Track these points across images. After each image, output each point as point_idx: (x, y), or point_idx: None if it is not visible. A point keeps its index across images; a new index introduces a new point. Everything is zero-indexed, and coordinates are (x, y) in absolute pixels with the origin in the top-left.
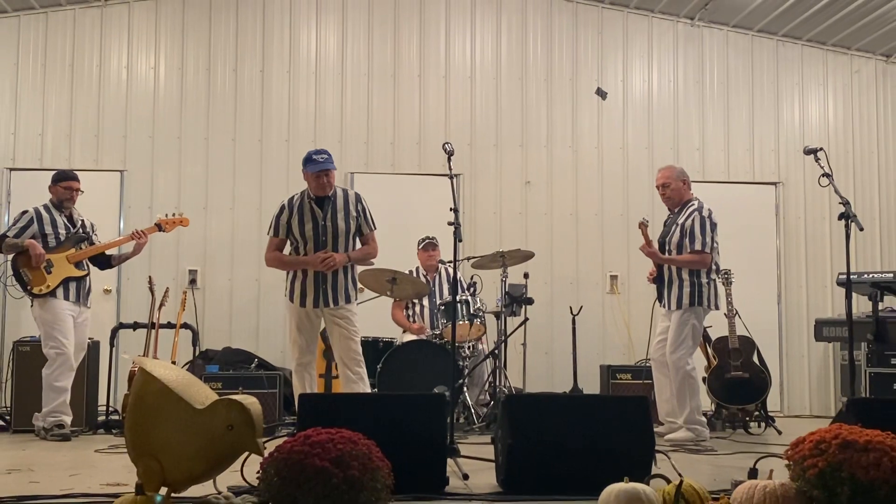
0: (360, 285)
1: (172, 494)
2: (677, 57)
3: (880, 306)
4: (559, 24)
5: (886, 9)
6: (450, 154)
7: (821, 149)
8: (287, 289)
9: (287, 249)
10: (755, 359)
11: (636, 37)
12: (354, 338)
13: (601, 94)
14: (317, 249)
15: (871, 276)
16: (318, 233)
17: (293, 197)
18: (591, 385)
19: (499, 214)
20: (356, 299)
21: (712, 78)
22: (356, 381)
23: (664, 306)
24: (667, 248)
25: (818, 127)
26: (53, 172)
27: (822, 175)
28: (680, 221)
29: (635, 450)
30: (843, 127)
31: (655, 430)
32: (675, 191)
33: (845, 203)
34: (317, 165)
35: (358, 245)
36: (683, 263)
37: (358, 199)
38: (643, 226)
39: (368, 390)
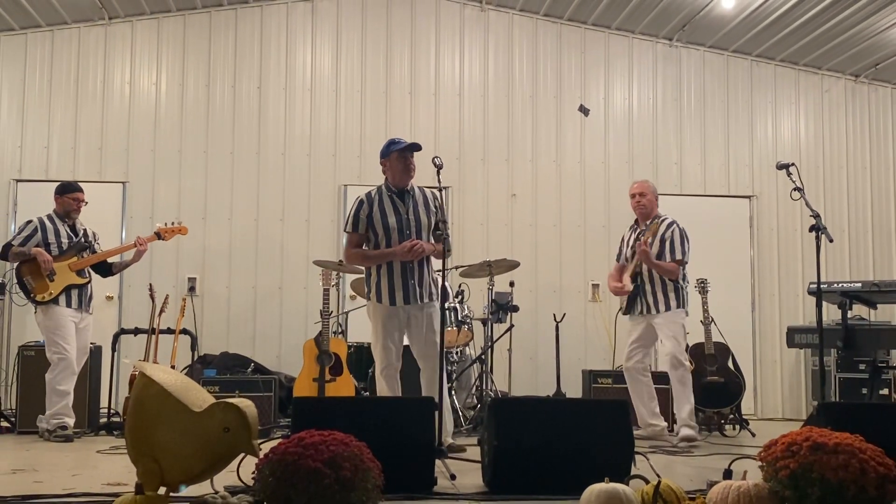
0: (351, 292)
1: (171, 494)
2: (656, 76)
3: (849, 314)
4: (544, 44)
5: (854, 31)
6: (439, 168)
7: (793, 164)
8: (372, 290)
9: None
10: (730, 364)
11: (617, 57)
12: (437, 335)
13: (584, 110)
14: (402, 239)
15: (840, 285)
16: (401, 226)
17: (370, 192)
18: (573, 389)
19: (486, 225)
20: (438, 299)
21: (689, 96)
22: (438, 380)
23: (643, 312)
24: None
25: (790, 143)
26: (58, 184)
27: (794, 189)
28: (658, 233)
29: (615, 451)
30: (814, 143)
31: (635, 432)
32: (649, 201)
33: (816, 216)
34: (402, 144)
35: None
36: (663, 269)
37: (434, 195)
38: (652, 234)
39: (445, 388)
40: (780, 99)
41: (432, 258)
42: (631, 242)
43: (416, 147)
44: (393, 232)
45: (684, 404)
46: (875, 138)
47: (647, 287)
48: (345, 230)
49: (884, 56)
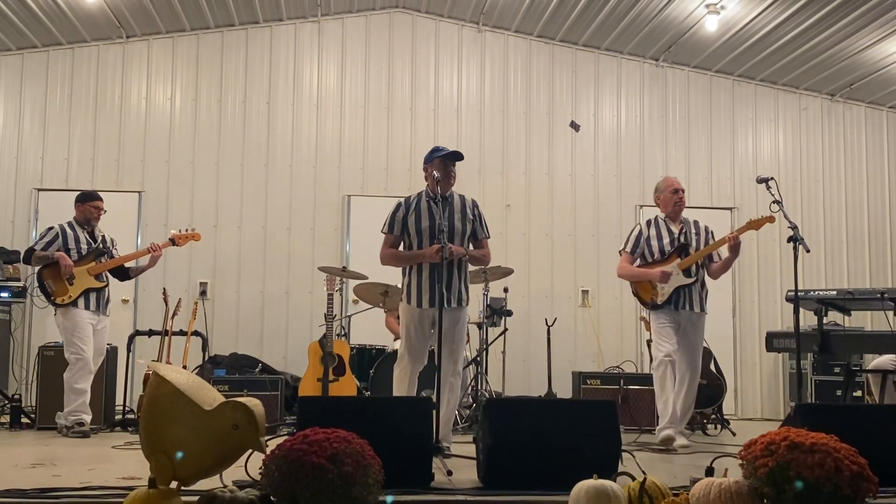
0: (354, 297)
1: (182, 487)
2: (643, 94)
3: (825, 320)
4: (537, 63)
5: (830, 53)
6: (437, 181)
7: (772, 178)
8: (403, 291)
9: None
10: (712, 367)
11: (606, 76)
12: (460, 344)
13: (574, 126)
14: (432, 243)
15: (816, 293)
16: (433, 231)
17: (410, 197)
18: (563, 390)
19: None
20: (468, 303)
21: (674, 113)
22: (448, 390)
23: (696, 308)
24: (697, 249)
25: (769, 158)
26: (78, 192)
27: (773, 202)
28: (700, 231)
29: (603, 449)
30: (792, 158)
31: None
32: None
33: (794, 227)
34: (444, 151)
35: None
36: (729, 268)
37: (475, 204)
38: (771, 220)
39: (455, 402)
40: (760, 116)
41: (468, 263)
42: (665, 237)
43: (457, 156)
44: (424, 235)
45: (689, 414)
46: (849, 154)
47: (699, 283)
48: (382, 231)
49: (858, 77)
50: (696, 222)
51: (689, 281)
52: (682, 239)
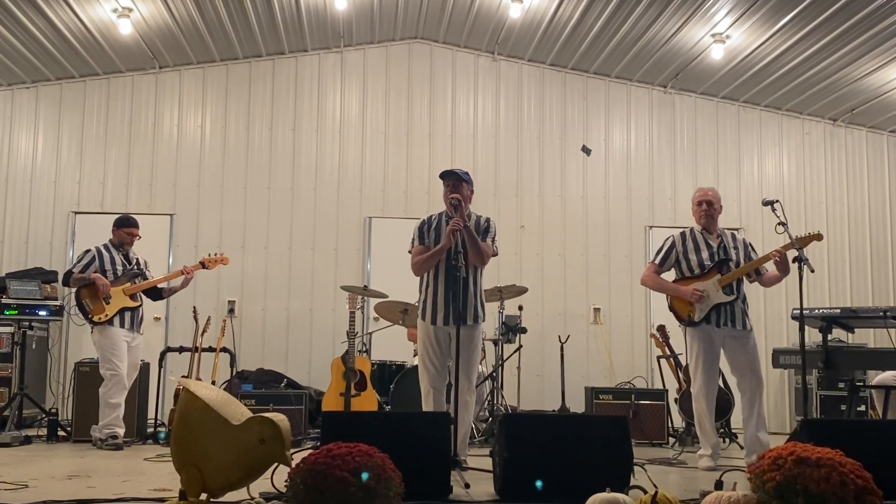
0: (375, 314)
1: (211, 499)
2: (652, 119)
3: (829, 338)
4: (550, 90)
5: (832, 80)
6: (455, 206)
7: (777, 200)
8: (419, 308)
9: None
10: (721, 382)
11: (616, 102)
12: (475, 362)
13: (586, 150)
14: (447, 261)
15: (821, 311)
16: (450, 247)
17: (431, 216)
18: (576, 404)
19: (497, 254)
20: (484, 320)
21: (682, 137)
22: (462, 406)
23: (738, 326)
24: (738, 265)
25: (774, 181)
26: (117, 216)
27: (779, 223)
28: (738, 245)
29: (615, 463)
30: (796, 181)
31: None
32: (717, 211)
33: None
34: (444, 173)
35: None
36: (777, 282)
37: (488, 221)
38: (819, 238)
39: (470, 417)
40: (764, 140)
41: (480, 276)
42: (704, 251)
43: (446, 173)
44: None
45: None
46: (851, 177)
47: (740, 299)
48: (409, 251)
49: (859, 102)
50: (733, 235)
51: (729, 299)
52: (721, 253)
